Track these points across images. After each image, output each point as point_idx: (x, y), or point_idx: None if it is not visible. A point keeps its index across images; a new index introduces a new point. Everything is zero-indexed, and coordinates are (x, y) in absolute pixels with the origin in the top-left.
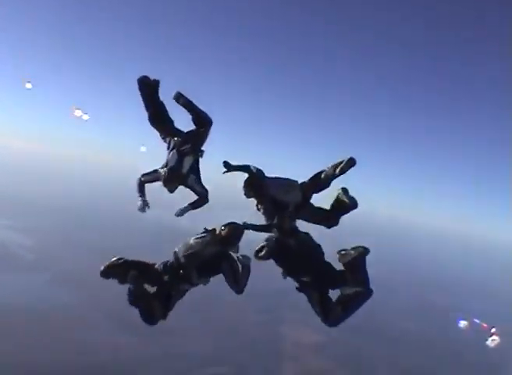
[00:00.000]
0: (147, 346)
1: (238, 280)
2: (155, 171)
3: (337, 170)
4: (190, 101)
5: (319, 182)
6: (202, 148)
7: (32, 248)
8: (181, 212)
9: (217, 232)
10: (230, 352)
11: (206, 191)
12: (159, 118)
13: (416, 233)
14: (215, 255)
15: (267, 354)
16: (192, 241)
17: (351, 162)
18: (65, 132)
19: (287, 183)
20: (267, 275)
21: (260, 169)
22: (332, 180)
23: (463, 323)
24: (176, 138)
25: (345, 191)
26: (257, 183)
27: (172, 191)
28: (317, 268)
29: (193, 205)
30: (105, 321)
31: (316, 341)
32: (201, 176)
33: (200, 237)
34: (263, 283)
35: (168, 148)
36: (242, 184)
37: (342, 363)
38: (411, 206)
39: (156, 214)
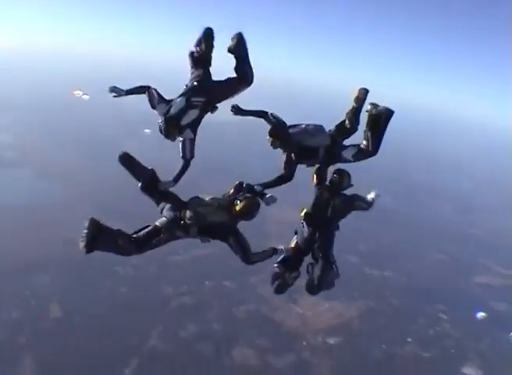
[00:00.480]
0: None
1: (247, 254)
2: (164, 101)
3: (354, 103)
4: (246, 50)
5: (345, 126)
6: (217, 105)
7: (12, 146)
8: (167, 185)
9: (234, 204)
10: None
11: (191, 156)
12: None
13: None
14: (223, 224)
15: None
16: (208, 199)
17: (363, 90)
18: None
19: (312, 128)
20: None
21: (278, 117)
22: (356, 117)
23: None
24: (198, 80)
25: (374, 104)
26: (281, 132)
27: (172, 140)
28: None
29: (177, 178)
30: (94, 213)
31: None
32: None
33: (217, 200)
34: None
35: (185, 86)
36: (266, 136)
37: None
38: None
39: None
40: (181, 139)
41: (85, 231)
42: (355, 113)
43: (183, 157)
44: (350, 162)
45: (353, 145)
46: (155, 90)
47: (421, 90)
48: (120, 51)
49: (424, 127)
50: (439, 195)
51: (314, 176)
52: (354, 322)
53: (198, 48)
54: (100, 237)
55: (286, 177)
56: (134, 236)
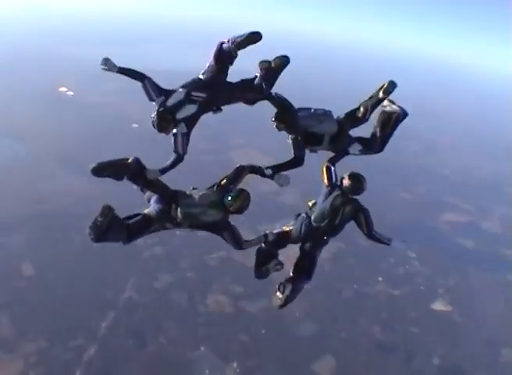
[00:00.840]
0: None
1: (239, 244)
2: (163, 92)
3: (380, 93)
4: (281, 68)
5: (356, 115)
6: (221, 107)
7: None
8: (152, 174)
9: (227, 202)
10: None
11: (184, 151)
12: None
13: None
14: (216, 221)
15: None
16: (198, 197)
17: (392, 84)
18: None
19: (321, 113)
20: None
21: (285, 98)
22: (373, 109)
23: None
24: (206, 74)
25: (391, 101)
26: (288, 116)
27: (166, 133)
28: None
29: (164, 170)
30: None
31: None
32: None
33: (208, 198)
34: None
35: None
36: (272, 118)
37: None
38: None
39: None
40: (174, 131)
41: (100, 219)
42: (374, 105)
43: (175, 151)
44: (355, 155)
45: (360, 139)
46: (151, 80)
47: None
48: None
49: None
50: (403, 136)
51: (324, 173)
52: (325, 264)
53: (231, 45)
54: (111, 227)
55: (297, 160)
56: (127, 224)
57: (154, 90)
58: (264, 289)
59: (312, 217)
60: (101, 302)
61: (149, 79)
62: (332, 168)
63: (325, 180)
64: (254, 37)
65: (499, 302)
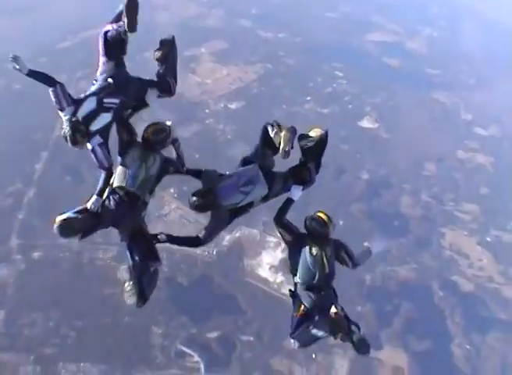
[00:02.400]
0: None
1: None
2: (73, 102)
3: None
4: (176, 57)
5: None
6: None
7: None
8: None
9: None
10: None
11: (110, 162)
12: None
13: None
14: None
15: None
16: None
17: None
18: None
19: (246, 180)
20: None
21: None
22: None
23: None
24: (112, 76)
25: (306, 135)
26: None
27: (80, 148)
28: None
29: (100, 192)
30: None
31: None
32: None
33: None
34: None
35: (94, 81)
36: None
37: None
38: None
39: None
40: (90, 148)
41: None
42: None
43: (100, 167)
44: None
45: (294, 182)
46: (64, 87)
47: None
48: None
49: None
50: None
51: (282, 231)
52: (254, 85)
53: (117, 27)
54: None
55: (198, 243)
56: None
57: (66, 98)
58: (193, 114)
59: (300, 281)
60: (32, 144)
61: (61, 84)
62: (286, 222)
63: (286, 236)
64: (130, 3)
65: (423, 119)
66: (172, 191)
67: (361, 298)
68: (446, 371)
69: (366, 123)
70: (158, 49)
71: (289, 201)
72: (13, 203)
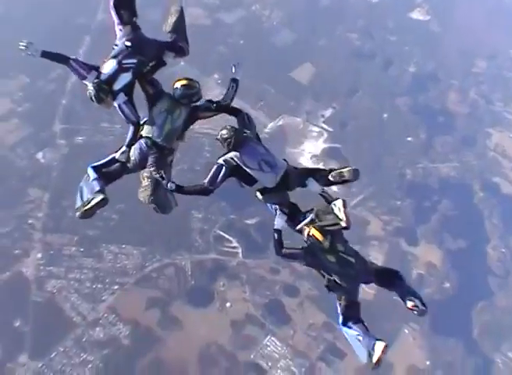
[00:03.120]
0: None
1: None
2: (92, 68)
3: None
4: (185, 24)
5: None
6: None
7: None
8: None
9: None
10: None
11: (136, 117)
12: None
13: None
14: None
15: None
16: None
17: (356, 174)
18: None
19: (269, 161)
20: None
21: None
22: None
23: None
24: (129, 39)
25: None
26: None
27: (107, 108)
28: None
29: (129, 144)
30: None
31: None
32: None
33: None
34: None
35: (115, 46)
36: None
37: None
38: None
39: None
40: (116, 105)
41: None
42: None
43: (128, 122)
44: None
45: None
46: (77, 59)
47: None
48: None
49: None
50: None
51: (291, 261)
52: None
53: None
54: None
55: (206, 191)
56: None
57: (83, 67)
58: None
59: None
60: (75, 29)
61: (74, 59)
62: (288, 253)
63: (303, 263)
64: None
65: (478, 13)
66: (216, 76)
67: (401, 192)
68: (478, 271)
69: (417, 15)
70: (168, 21)
71: (278, 233)
72: (56, 88)
